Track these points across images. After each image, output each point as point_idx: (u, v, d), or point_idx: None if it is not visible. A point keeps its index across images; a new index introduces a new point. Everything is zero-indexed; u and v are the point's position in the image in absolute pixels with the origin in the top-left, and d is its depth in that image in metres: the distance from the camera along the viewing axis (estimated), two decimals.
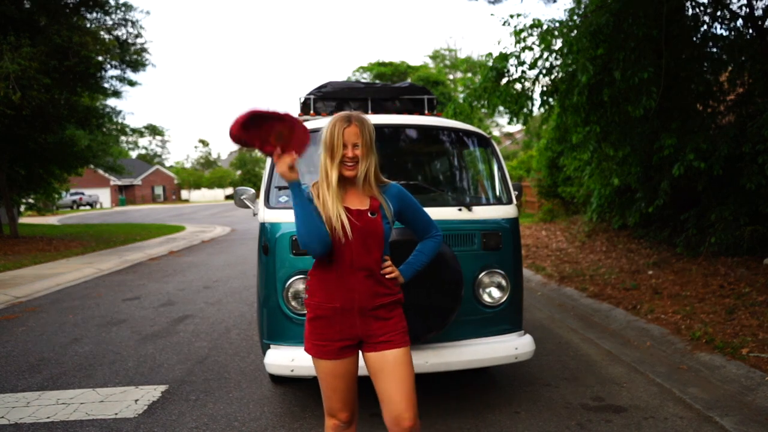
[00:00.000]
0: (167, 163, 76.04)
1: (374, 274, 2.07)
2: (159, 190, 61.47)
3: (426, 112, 4.50)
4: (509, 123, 9.21)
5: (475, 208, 3.25)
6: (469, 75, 26.79)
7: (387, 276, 2.11)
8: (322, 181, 2.07)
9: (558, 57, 7.33)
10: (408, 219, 2.23)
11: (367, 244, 2.05)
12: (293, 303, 3.07)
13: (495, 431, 3.09)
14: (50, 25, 11.22)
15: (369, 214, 2.07)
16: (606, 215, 10.39)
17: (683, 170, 6.33)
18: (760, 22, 6.76)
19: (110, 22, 13.18)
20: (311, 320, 2.10)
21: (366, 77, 32.81)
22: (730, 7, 7.11)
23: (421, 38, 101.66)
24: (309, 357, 2.99)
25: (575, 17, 7.19)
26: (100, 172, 30.98)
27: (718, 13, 7.18)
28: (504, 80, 7.88)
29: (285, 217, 3.14)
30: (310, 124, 3.55)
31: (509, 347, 3.18)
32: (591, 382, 3.85)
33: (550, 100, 7.83)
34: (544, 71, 7.57)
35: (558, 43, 7.25)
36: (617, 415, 3.29)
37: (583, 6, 7.35)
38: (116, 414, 3.41)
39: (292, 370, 2.98)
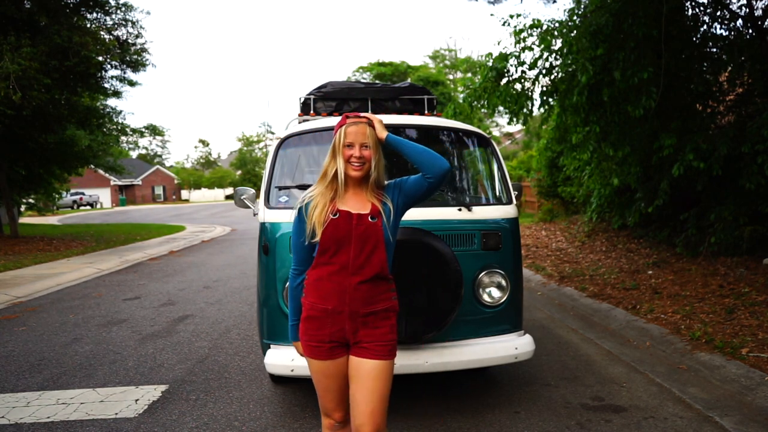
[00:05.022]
0: (167, 163, 76.13)
1: (370, 280, 2.06)
2: (159, 190, 61.46)
3: (426, 112, 4.50)
4: (509, 123, 9.20)
5: (474, 208, 3.25)
6: (469, 75, 26.77)
7: (364, 115, 2.12)
8: (325, 183, 2.09)
9: (558, 57, 7.33)
10: (411, 192, 2.16)
11: (366, 249, 2.05)
12: None
13: (495, 431, 3.10)
14: (50, 25, 11.21)
15: (369, 218, 2.07)
16: (606, 215, 10.39)
17: (683, 170, 6.33)
18: (759, 22, 6.76)
19: (110, 22, 13.16)
20: (304, 320, 2.12)
21: (366, 77, 32.82)
22: (730, 7, 7.11)
23: (421, 38, 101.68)
24: None
25: (575, 17, 7.18)
26: (101, 172, 30.95)
27: (718, 13, 7.18)
28: (504, 80, 7.87)
29: (285, 217, 3.15)
30: (311, 124, 3.56)
31: (509, 347, 3.18)
32: (591, 381, 3.86)
33: (550, 100, 7.83)
34: (544, 71, 7.56)
35: (558, 44, 7.24)
36: (617, 415, 3.29)
37: (582, 6, 7.34)
38: (116, 414, 3.42)
39: (292, 370, 2.98)
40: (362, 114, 2.14)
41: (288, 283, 2.19)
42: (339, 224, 2.04)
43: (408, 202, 2.17)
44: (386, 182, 2.19)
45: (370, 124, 2.10)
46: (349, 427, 2.22)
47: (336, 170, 2.07)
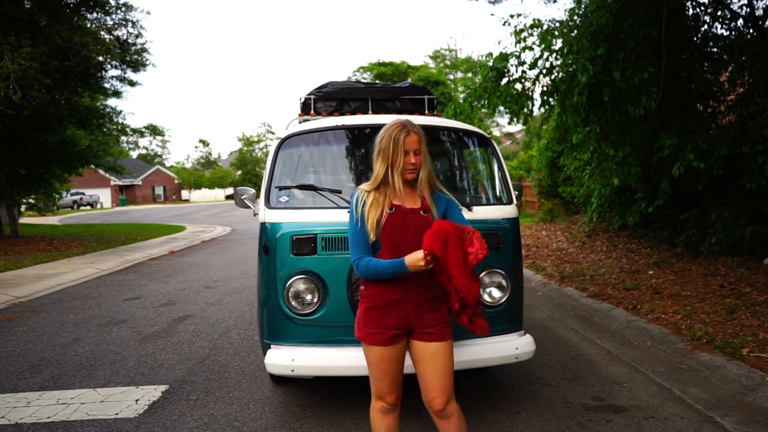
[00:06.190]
0: (168, 163, 76.14)
1: (429, 269, 2.16)
2: (159, 190, 61.47)
3: (426, 112, 4.50)
4: (509, 123, 9.20)
5: (475, 208, 3.25)
6: (470, 75, 26.77)
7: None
8: (378, 185, 2.23)
9: (558, 57, 7.32)
10: (454, 217, 2.33)
11: (422, 241, 2.17)
12: (293, 303, 3.08)
13: (495, 431, 3.10)
14: (51, 26, 11.22)
15: (421, 213, 2.25)
16: (606, 215, 10.39)
17: (683, 170, 6.32)
18: (760, 22, 6.76)
19: (111, 23, 13.18)
20: (367, 310, 2.25)
21: (366, 77, 32.79)
22: (731, 6, 7.10)
23: (421, 38, 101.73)
24: (309, 357, 3.02)
25: (575, 17, 7.18)
26: (101, 172, 30.97)
27: (719, 13, 7.17)
28: (504, 80, 7.87)
29: (286, 217, 3.15)
30: (311, 124, 3.56)
31: (509, 347, 3.18)
32: (591, 381, 3.86)
33: (550, 100, 7.82)
34: (544, 71, 7.56)
35: (558, 43, 7.23)
36: (617, 415, 3.29)
37: (583, 6, 7.33)
38: (117, 414, 3.42)
39: (292, 370, 2.98)
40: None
41: (356, 266, 2.23)
42: (396, 218, 2.21)
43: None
44: (441, 188, 2.33)
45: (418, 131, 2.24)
46: (398, 411, 2.37)
47: (387, 174, 2.22)
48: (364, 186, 2.28)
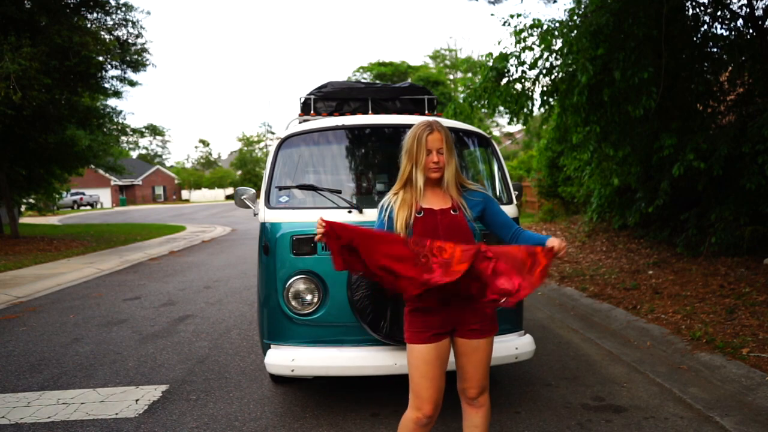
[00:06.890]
0: (168, 163, 76.13)
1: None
2: (159, 190, 61.46)
3: (426, 112, 4.50)
4: (509, 123, 9.20)
5: None
6: (470, 75, 26.78)
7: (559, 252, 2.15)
8: (404, 184, 2.25)
9: (558, 57, 7.33)
10: (489, 222, 2.36)
11: (458, 240, 2.17)
12: (293, 303, 3.08)
13: (495, 431, 3.10)
14: (51, 25, 11.21)
15: (451, 212, 2.24)
16: (606, 215, 10.39)
17: (683, 170, 6.33)
18: (760, 22, 6.76)
19: (111, 23, 13.15)
20: (413, 311, 2.24)
21: (366, 77, 32.82)
22: (731, 7, 7.11)
23: (421, 38, 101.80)
24: (309, 357, 3.03)
25: (575, 17, 7.18)
26: (101, 172, 30.96)
27: (718, 13, 7.18)
28: (504, 80, 7.87)
29: (286, 217, 3.15)
30: (311, 124, 3.56)
31: (509, 347, 3.18)
32: (591, 381, 3.86)
33: (550, 100, 7.82)
34: (544, 71, 7.56)
35: (558, 43, 7.24)
36: (617, 415, 3.29)
37: (583, 6, 7.34)
38: (117, 414, 3.42)
39: (292, 370, 2.98)
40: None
41: None
42: (426, 221, 2.21)
43: (484, 220, 2.35)
44: (473, 186, 2.33)
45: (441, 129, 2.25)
46: (430, 427, 2.31)
47: (411, 172, 2.23)
48: (393, 189, 2.30)
